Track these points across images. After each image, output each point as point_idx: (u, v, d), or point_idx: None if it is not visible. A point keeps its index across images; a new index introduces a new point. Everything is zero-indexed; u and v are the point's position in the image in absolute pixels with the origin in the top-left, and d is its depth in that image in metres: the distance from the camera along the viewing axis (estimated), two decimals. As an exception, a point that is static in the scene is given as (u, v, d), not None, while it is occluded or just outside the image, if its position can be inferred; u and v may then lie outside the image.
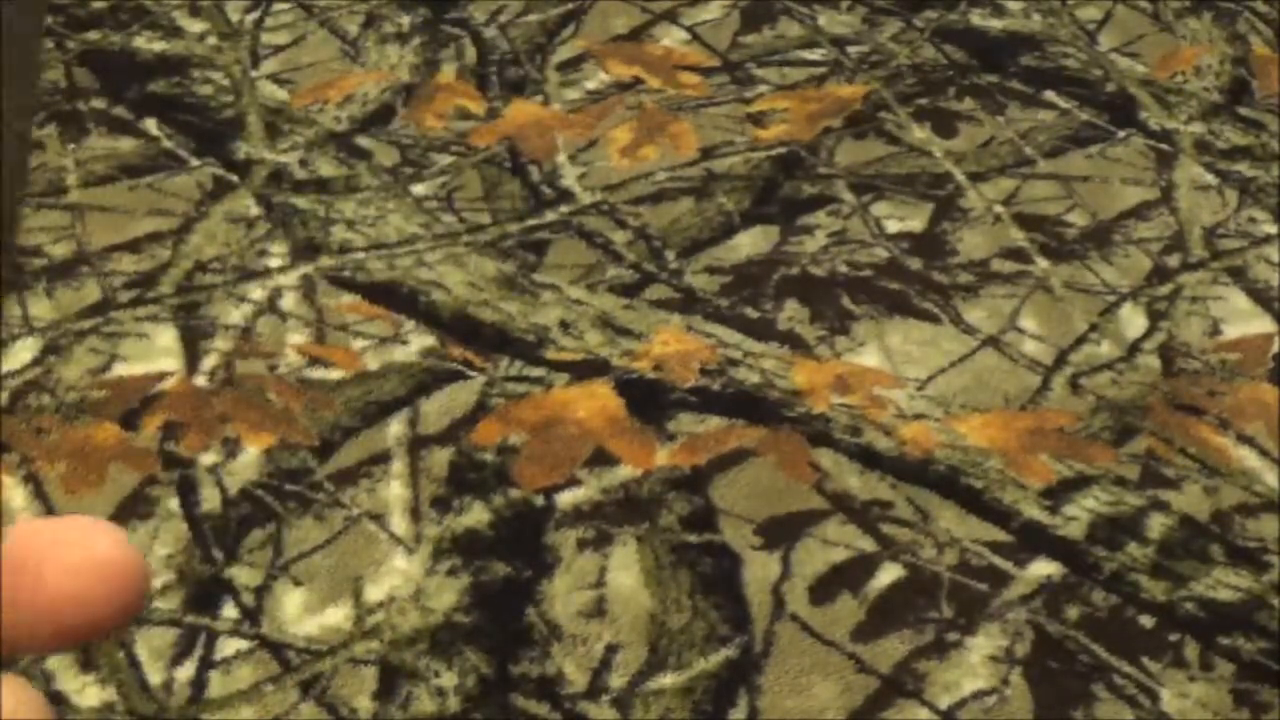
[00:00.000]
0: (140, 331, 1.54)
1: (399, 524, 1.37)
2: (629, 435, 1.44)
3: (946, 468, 1.42)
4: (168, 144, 1.76)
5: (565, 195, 1.71)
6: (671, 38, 1.96)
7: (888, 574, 1.34)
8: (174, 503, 1.38)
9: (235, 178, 1.72)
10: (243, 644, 1.27)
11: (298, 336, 1.54)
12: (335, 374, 1.51)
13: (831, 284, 1.62)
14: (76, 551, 0.29)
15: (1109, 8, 2.02)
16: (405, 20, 1.97)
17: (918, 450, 1.43)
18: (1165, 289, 1.62)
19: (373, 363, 1.52)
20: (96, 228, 1.65)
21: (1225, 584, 1.33)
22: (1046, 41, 1.96)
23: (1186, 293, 1.62)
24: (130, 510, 1.37)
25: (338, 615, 1.30)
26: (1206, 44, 1.96)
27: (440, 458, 1.42)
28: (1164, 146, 1.80)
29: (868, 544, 1.36)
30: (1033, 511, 1.38)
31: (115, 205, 1.68)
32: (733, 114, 1.84)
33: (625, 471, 1.41)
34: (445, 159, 1.76)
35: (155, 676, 1.25)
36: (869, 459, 1.42)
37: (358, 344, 1.54)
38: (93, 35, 1.91)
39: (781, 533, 1.37)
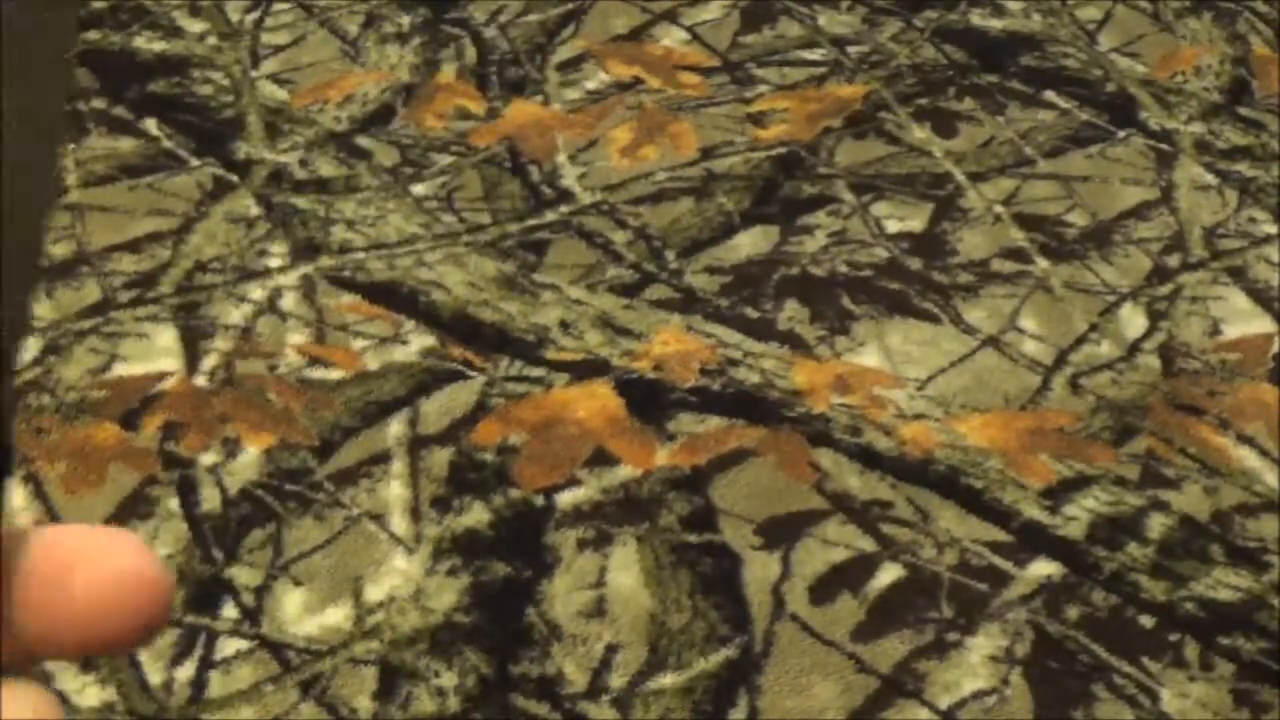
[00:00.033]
0: (140, 331, 1.54)
1: (399, 524, 1.37)
2: (629, 435, 1.44)
3: (946, 468, 1.42)
4: (168, 144, 1.76)
5: (565, 195, 1.71)
6: (671, 38, 1.96)
7: (888, 574, 1.34)
8: (174, 503, 1.38)
9: (235, 178, 1.72)
10: (243, 644, 1.27)
11: (298, 336, 1.55)
12: (335, 374, 1.51)
13: (831, 284, 1.62)
14: (103, 563, 0.29)
15: (1109, 8, 2.02)
16: (405, 20, 1.97)
17: (918, 450, 1.43)
18: (1165, 289, 1.62)
19: (373, 363, 1.52)
20: (96, 228, 1.65)
21: (1225, 584, 1.33)
22: (1046, 41, 1.96)
23: (1186, 293, 1.62)
24: (130, 510, 1.37)
25: (338, 615, 1.30)
26: (1206, 44, 1.96)
27: (440, 458, 1.42)
28: (1164, 146, 1.80)
29: (868, 544, 1.36)
30: (1033, 511, 1.38)
31: (115, 205, 1.68)
32: (733, 114, 1.84)
33: (625, 471, 1.41)
34: (445, 159, 1.76)
35: (155, 676, 1.25)
36: (869, 459, 1.42)
37: (358, 344, 1.54)
38: (93, 35, 1.91)
39: (781, 533, 1.37)
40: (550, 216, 1.69)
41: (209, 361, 1.51)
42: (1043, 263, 1.65)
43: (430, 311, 1.56)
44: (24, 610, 0.29)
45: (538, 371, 1.50)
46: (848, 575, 1.34)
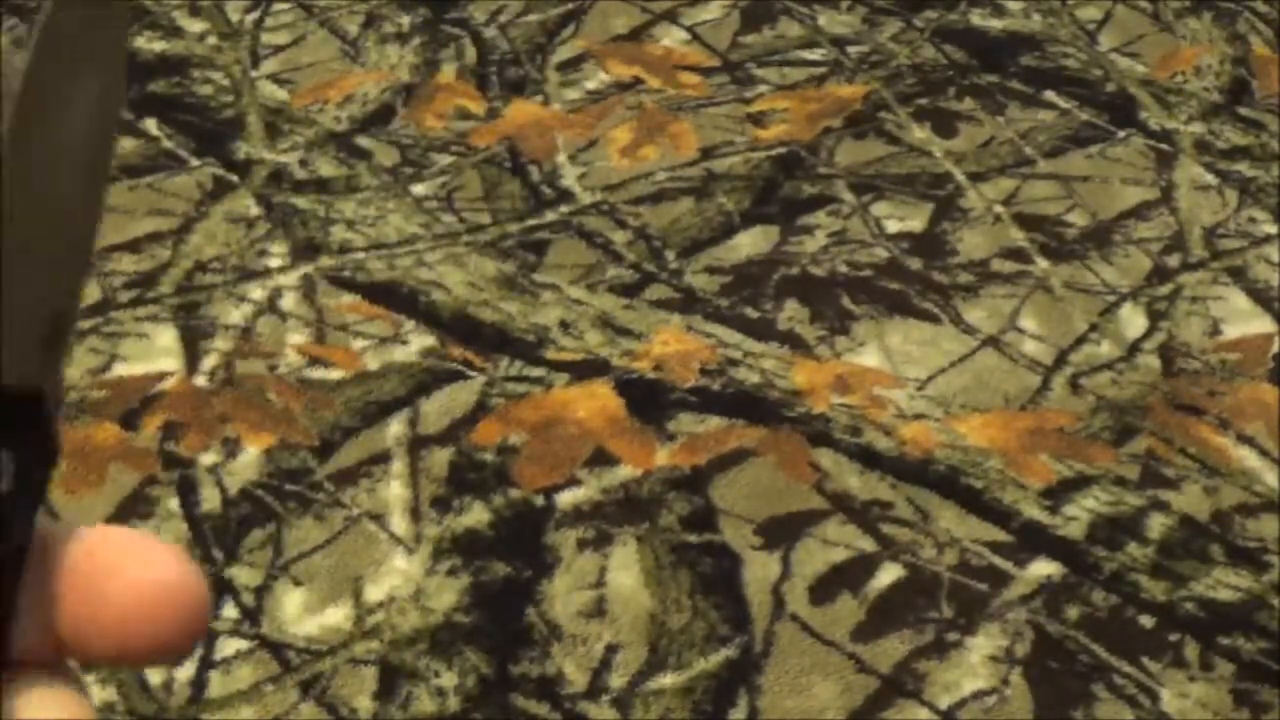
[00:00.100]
0: (140, 331, 1.54)
1: (399, 524, 1.37)
2: (629, 435, 1.44)
3: (946, 468, 1.42)
4: (168, 144, 1.76)
5: (565, 195, 1.71)
6: (671, 38, 1.96)
7: (888, 574, 1.34)
8: (174, 503, 1.38)
9: (235, 178, 1.72)
10: (243, 644, 1.27)
11: (298, 336, 1.55)
12: (335, 374, 1.51)
13: (831, 284, 1.62)
14: (143, 571, 0.29)
15: (1109, 8, 2.02)
16: (405, 20, 1.97)
17: (918, 450, 1.43)
18: (1165, 289, 1.62)
19: (373, 363, 1.52)
20: (96, 228, 1.65)
21: (1225, 584, 1.33)
22: (1046, 41, 1.96)
23: (1186, 293, 1.62)
24: (130, 510, 1.37)
25: (338, 615, 1.30)
26: (1206, 44, 1.96)
27: (440, 458, 1.42)
28: (1164, 146, 1.80)
29: (868, 544, 1.36)
30: (1033, 511, 1.38)
31: (115, 205, 1.68)
32: (733, 114, 1.84)
33: (625, 471, 1.41)
34: (445, 159, 1.76)
35: (155, 676, 1.25)
36: (869, 459, 1.42)
37: (358, 344, 1.54)
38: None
39: (781, 533, 1.37)
40: (550, 216, 1.69)
41: (209, 361, 1.51)
42: (1043, 263, 1.65)
43: (430, 311, 1.56)
44: (59, 609, 0.29)
45: (538, 371, 1.50)
46: (848, 575, 1.34)
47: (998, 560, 1.35)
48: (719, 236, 1.67)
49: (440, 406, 1.47)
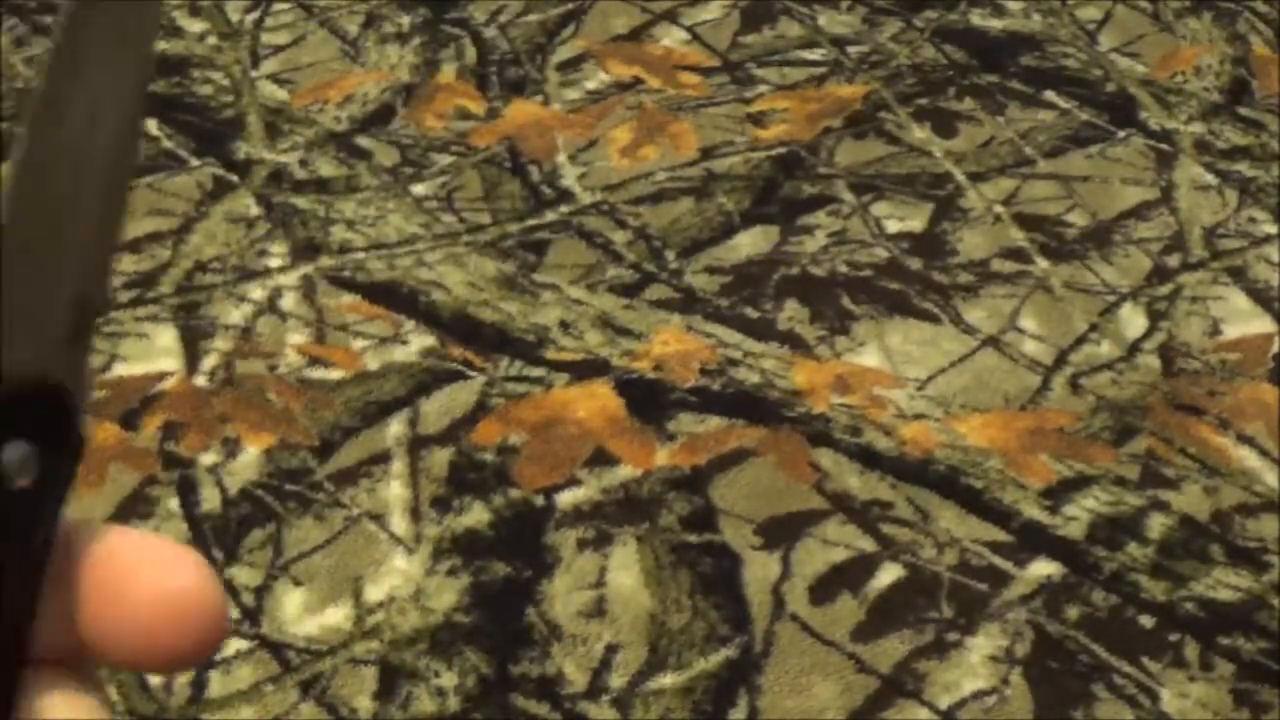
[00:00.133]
0: (140, 331, 1.54)
1: (399, 524, 1.37)
2: (629, 435, 1.44)
3: (946, 468, 1.42)
4: (168, 144, 1.76)
5: (565, 195, 1.71)
6: (671, 38, 1.96)
7: (888, 574, 1.34)
8: (174, 503, 1.38)
9: (235, 178, 1.72)
10: (243, 644, 1.27)
11: (298, 336, 1.55)
12: (335, 374, 1.51)
13: (831, 284, 1.62)
14: (164, 578, 0.29)
15: (1109, 8, 2.02)
16: (405, 20, 1.97)
17: (918, 450, 1.43)
18: (1165, 289, 1.62)
19: (373, 363, 1.52)
20: (96, 228, 1.65)
21: (1225, 584, 1.33)
22: (1046, 41, 1.96)
23: (1186, 293, 1.62)
24: (130, 510, 1.37)
25: (338, 615, 1.30)
26: (1206, 44, 1.96)
27: (440, 458, 1.42)
28: (1164, 146, 1.80)
29: (868, 544, 1.36)
30: (1033, 511, 1.38)
31: (115, 205, 1.68)
32: (733, 114, 1.84)
33: (625, 471, 1.41)
34: (445, 159, 1.76)
35: (155, 676, 1.25)
36: (869, 459, 1.42)
37: (358, 344, 1.54)
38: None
39: (781, 533, 1.37)
40: (550, 216, 1.69)
41: (209, 361, 1.51)
42: (1043, 263, 1.65)
43: (430, 311, 1.56)
44: (82, 609, 0.29)
45: (538, 371, 1.50)
46: (848, 575, 1.34)
47: (998, 560, 1.35)
48: (719, 236, 1.67)
49: (440, 406, 1.47)
